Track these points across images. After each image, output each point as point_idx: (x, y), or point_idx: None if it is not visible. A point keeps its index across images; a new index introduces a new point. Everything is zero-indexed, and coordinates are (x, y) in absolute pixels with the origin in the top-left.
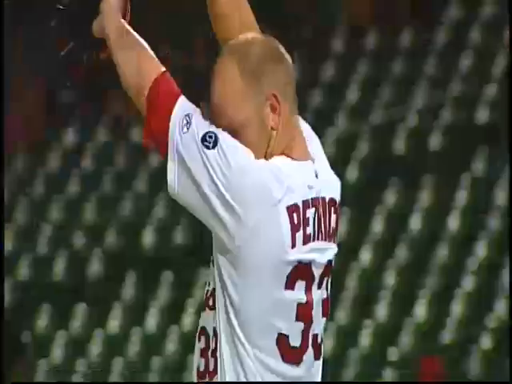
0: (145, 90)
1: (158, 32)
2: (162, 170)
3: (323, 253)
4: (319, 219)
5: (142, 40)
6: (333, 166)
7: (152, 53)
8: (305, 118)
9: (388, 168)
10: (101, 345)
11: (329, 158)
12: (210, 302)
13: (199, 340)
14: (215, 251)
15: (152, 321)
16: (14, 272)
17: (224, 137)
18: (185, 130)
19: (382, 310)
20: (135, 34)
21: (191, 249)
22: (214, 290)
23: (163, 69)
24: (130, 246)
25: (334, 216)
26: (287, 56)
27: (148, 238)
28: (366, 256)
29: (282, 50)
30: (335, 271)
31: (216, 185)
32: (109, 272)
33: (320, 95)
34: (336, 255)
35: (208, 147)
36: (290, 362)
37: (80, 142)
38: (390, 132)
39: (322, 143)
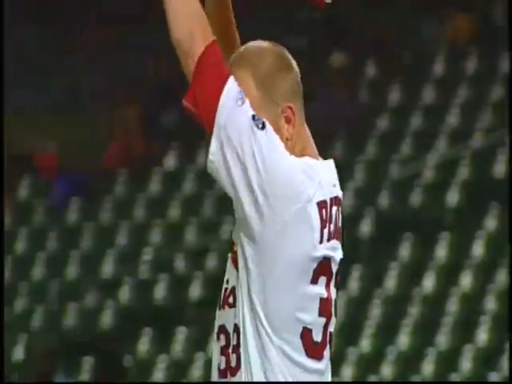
0: (195, 56)
1: None
2: None
3: (337, 251)
4: (337, 218)
5: None
6: (434, 190)
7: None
8: (404, 141)
9: (488, 192)
10: (202, 368)
11: (430, 182)
12: (230, 300)
13: (218, 338)
14: (241, 247)
15: None
16: (115, 296)
17: (269, 124)
18: (239, 103)
19: (482, 335)
20: None
21: None
22: (233, 288)
23: (213, 36)
24: None
25: (340, 215)
26: (294, 62)
27: None
28: (466, 280)
29: (290, 57)
30: (435, 295)
31: (256, 163)
32: (209, 295)
33: (420, 118)
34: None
35: (258, 127)
36: (312, 357)
37: (180, 166)
38: (491, 156)
39: (423, 167)
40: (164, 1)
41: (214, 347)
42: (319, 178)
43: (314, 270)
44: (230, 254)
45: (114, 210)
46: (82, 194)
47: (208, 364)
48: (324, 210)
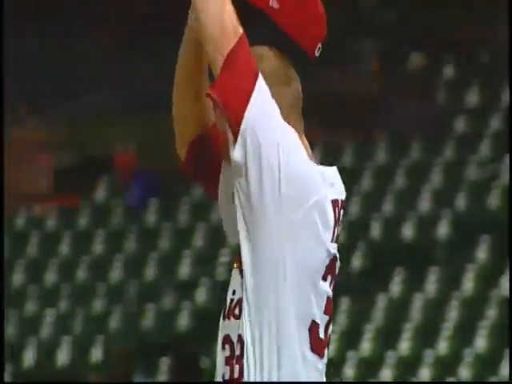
0: (224, 51)
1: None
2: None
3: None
4: (341, 221)
5: None
6: None
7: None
8: (483, 142)
9: None
10: None
11: (507, 184)
12: (236, 312)
13: (223, 348)
14: (250, 250)
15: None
16: (192, 297)
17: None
18: (269, 98)
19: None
20: None
21: (367, 274)
22: (240, 300)
23: (241, 29)
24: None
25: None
26: (295, 76)
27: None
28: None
29: (291, 69)
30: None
31: (279, 159)
32: None
33: (498, 120)
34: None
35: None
36: (316, 353)
37: None
38: None
39: (501, 169)
40: None
41: (219, 355)
42: (331, 180)
43: (327, 267)
44: (236, 264)
45: (191, 211)
46: (159, 194)
47: None
48: (336, 210)
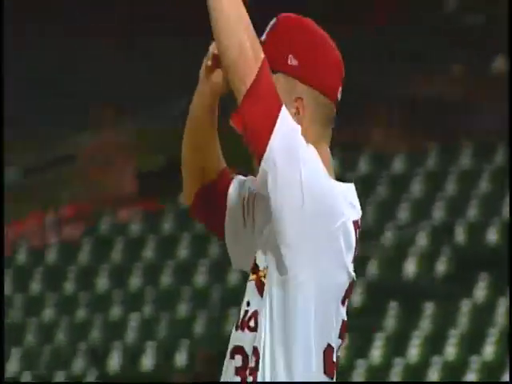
0: (246, 78)
1: None
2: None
3: None
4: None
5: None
6: None
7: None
8: None
9: None
10: (363, 374)
11: None
12: (252, 324)
13: (232, 358)
14: (275, 275)
15: (414, 351)
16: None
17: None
18: (292, 129)
19: None
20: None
21: (450, 278)
22: (256, 312)
23: (262, 54)
24: (391, 276)
25: None
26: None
27: (410, 267)
28: None
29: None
30: None
31: (301, 187)
32: (370, 303)
33: None
34: None
35: (306, 151)
36: (328, 375)
37: (342, 173)
38: None
39: None
40: (213, 16)
41: (227, 365)
42: (351, 200)
43: (346, 290)
44: (252, 277)
45: None
46: None
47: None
48: (357, 231)
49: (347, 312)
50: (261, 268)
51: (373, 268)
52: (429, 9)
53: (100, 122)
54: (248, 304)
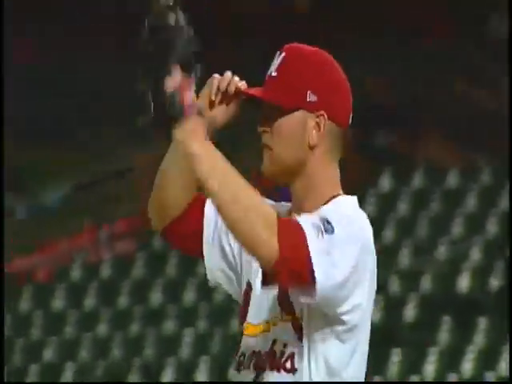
0: (273, 254)
1: None
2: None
3: None
4: None
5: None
6: None
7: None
8: None
9: None
10: None
11: None
12: (288, 365)
13: None
14: (316, 320)
15: (467, 365)
16: None
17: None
18: (325, 232)
19: None
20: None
21: (503, 293)
22: (293, 354)
23: (276, 220)
24: (445, 291)
25: None
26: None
27: (464, 282)
28: None
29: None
30: None
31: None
32: (423, 317)
33: None
34: None
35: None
36: None
37: (395, 186)
38: None
39: None
40: (223, 209)
41: None
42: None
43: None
44: (285, 317)
45: None
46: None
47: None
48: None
49: (402, 326)
50: (297, 310)
51: (426, 282)
52: (491, 22)
53: (152, 134)
54: (284, 346)
